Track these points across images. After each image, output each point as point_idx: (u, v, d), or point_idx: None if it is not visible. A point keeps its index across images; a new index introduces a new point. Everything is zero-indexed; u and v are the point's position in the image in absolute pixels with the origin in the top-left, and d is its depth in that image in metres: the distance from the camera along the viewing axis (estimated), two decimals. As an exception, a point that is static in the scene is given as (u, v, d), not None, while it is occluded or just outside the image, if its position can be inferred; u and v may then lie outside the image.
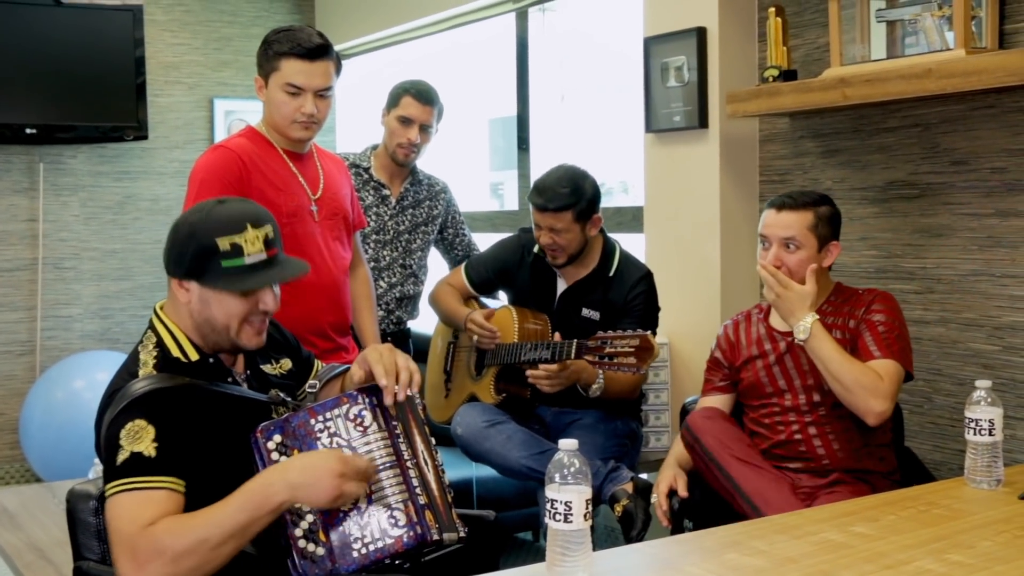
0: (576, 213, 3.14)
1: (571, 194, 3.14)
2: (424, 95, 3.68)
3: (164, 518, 1.87)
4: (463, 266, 3.57)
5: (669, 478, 2.76)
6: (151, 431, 1.92)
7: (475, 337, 3.29)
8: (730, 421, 2.76)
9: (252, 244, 2.02)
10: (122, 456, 1.92)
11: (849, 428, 2.65)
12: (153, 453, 1.91)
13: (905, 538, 1.93)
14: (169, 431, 1.94)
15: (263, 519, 1.89)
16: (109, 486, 1.93)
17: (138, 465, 1.91)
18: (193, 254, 2.02)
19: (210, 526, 1.86)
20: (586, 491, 1.74)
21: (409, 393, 2.11)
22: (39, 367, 5.42)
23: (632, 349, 2.78)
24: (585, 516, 1.73)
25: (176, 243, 2.05)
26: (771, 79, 3.24)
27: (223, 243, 2.00)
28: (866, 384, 2.50)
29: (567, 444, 1.78)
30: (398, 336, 3.75)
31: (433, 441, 2.17)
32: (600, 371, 3.06)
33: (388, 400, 2.06)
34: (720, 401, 2.87)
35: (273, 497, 1.88)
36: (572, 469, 1.76)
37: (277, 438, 2.04)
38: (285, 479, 1.89)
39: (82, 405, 4.84)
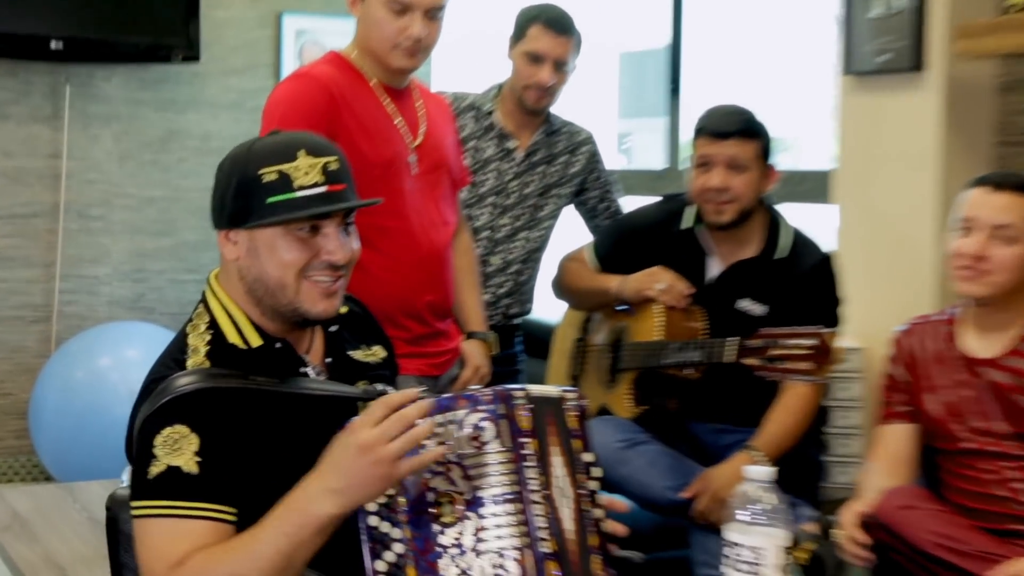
0: (761, 147, 3.17)
1: (755, 124, 3.19)
2: (557, 23, 3.67)
3: (196, 553, 1.87)
4: (591, 240, 3.58)
5: (859, 506, 2.72)
6: (194, 441, 1.93)
7: (658, 286, 3.22)
8: (934, 500, 2.71)
9: (305, 174, 2.00)
10: (156, 468, 1.93)
11: None
12: (195, 470, 1.92)
13: None
14: (217, 444, 1.94)
15: (309, 542, 1.86)
16: (138, 504, 1.94)
17: (176, 484, 1.91)
18: (234, 193, 2.03)
19: (246, 558, 1.86)
20: (780, 535, 1.77)
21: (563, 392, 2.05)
22: (55, 339, 5.54)
23: (807, 352, 2.76)
24: (781, 568, 1.72)
25: (218, 185, 2.08)
26: (1018, 8, 3.21)
27: (268, 174, 1.99)
28: None
29: (758, 473, 1.77)
30: (505, 331, 3.74)
31: (588, 459, 2.08)
32: (752, 452, 3.04)
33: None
34: (906, 432, 2.88)
35: (314, 511, 1.85)
36: (764, 506, 1.75)
37: None
38: (324, 486, 1.86)
39: (107, 388, 4.95)
